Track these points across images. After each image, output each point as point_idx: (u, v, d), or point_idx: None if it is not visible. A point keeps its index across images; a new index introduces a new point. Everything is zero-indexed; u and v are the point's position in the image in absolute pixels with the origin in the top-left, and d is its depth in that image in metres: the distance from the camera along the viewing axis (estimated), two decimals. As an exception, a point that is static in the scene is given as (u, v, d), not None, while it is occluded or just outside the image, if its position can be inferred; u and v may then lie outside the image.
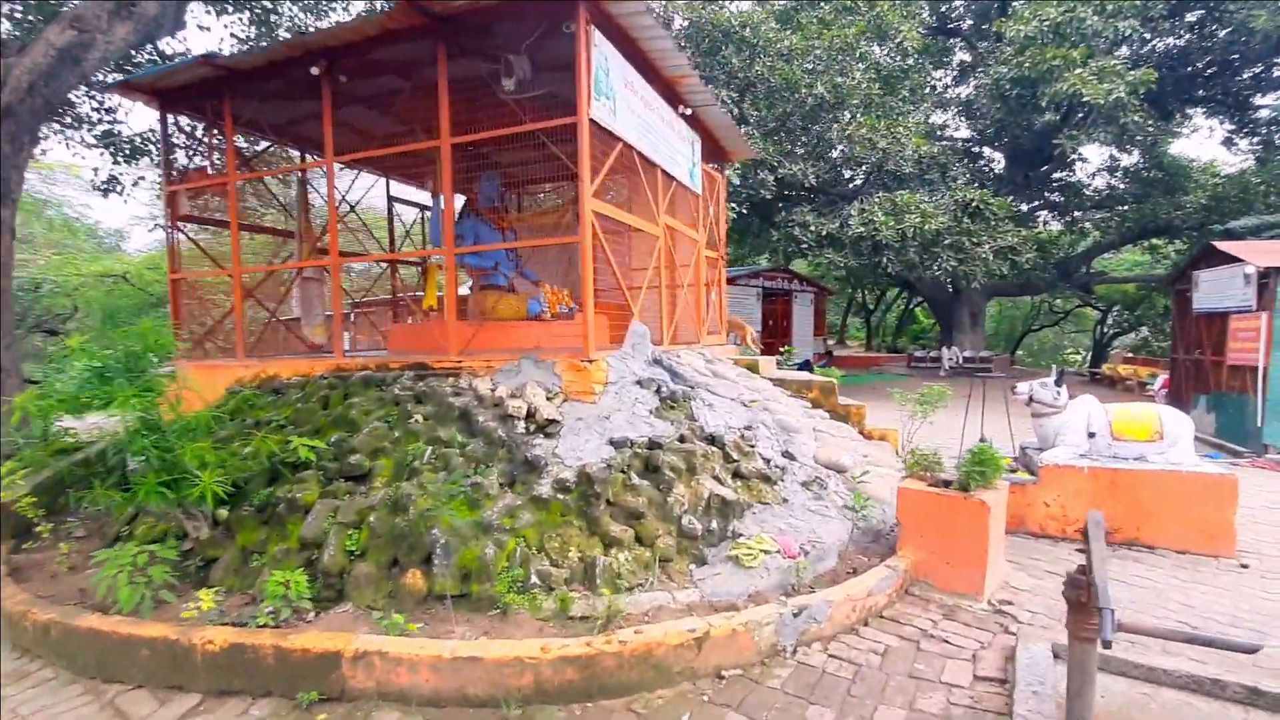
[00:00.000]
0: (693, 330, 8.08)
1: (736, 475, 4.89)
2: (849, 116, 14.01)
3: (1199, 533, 5.07)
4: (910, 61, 17.01)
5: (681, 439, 4.86)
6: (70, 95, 7.69)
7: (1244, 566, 4.85)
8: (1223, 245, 9.99)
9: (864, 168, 15.25)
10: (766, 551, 4.17)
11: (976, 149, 23.45)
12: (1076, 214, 24.79)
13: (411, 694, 3.11)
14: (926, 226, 12.87)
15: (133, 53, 8.30)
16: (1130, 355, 24.28)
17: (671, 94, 6.94)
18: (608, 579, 3.81)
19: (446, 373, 5.38)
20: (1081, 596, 2.40)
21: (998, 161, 24.90)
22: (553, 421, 4.74)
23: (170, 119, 6.68)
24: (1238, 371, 9.39)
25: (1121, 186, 23.39)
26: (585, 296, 5.06)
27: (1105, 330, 35.42)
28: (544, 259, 8.65)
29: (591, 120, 5.07)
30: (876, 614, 3.97)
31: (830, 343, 47.03)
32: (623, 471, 4.41)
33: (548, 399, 4.95)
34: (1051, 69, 12.78)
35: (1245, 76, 17.38)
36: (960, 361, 24.27)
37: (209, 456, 3.94)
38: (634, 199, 6.73)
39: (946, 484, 4.37)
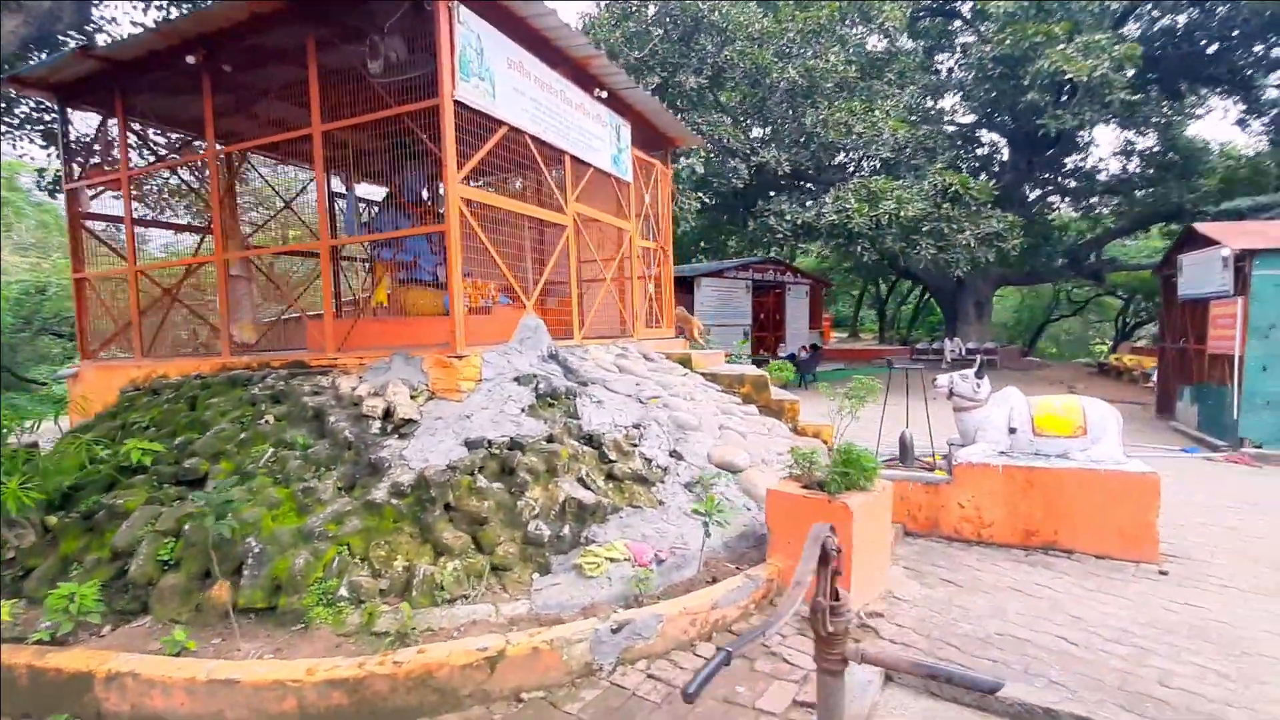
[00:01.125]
0: (621, 323, 7.77)
1: (610, 477, 4.59)
2: (826, 102, 13.52)
3: (1119, 536, 4.65)
4: (897, 44, 16.42)
5: (550, 439, 4.58)
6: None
7: (1162, 573, 4.43)
8: (1203, 227, 9.38)
9: (843, 154, 14.73)
10: (613, 560, 3.87)
11: (977, 133, 22.68)
12: (1092, 199, 23.89)
13: (167, 719, 2.88)
14: (902, 213, 12.36)
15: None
16: (1138, 346, 23.36)
17: (584, 76, 6.63)
18: (426, 590, 3.54)
19: (319, 371, 5.17)
20: (822, 624, 2.07)
21: (1002, 146, 24.09)
22: (409, 421, 4.49)
23: (74, 113, 6.58)
24: (1218, 361, 8.80)
25: (1135, 170, 22.47)
26: (452, 289, 4.79)
27: (1126, 320, 34.22)
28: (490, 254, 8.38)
29: (458, 103, 4.79)
30: (724, 628, 3.65)
31: (840, 335, 46.31)
32: (470, 474, 4.14)
33: (411, 397, 4.70)
34: (1034, 46, 12.16)
35: (1247, 56, 16.48)
36: (964, 353, 23.55)
37: (16, 464, 3.75)
38: (542, 187, 6.44)
39: (822, 486, 4.04)
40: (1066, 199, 26.52)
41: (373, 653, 3.07)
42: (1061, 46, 11.61)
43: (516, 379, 5.03)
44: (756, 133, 18.59)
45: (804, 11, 13.80)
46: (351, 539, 3.76)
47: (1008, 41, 12.42)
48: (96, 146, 6.45)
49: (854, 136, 13.31)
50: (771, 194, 14.97)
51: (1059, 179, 24.82)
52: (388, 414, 4.52)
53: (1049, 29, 11.99)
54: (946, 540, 5.13)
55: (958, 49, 22.06)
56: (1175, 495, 6.23)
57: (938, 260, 13.17)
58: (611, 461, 4.69)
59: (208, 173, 7.38)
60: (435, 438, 4.39)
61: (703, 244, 21.61)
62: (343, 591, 3.48)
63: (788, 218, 13.62)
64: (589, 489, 4.37)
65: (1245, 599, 4.06)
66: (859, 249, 13.26)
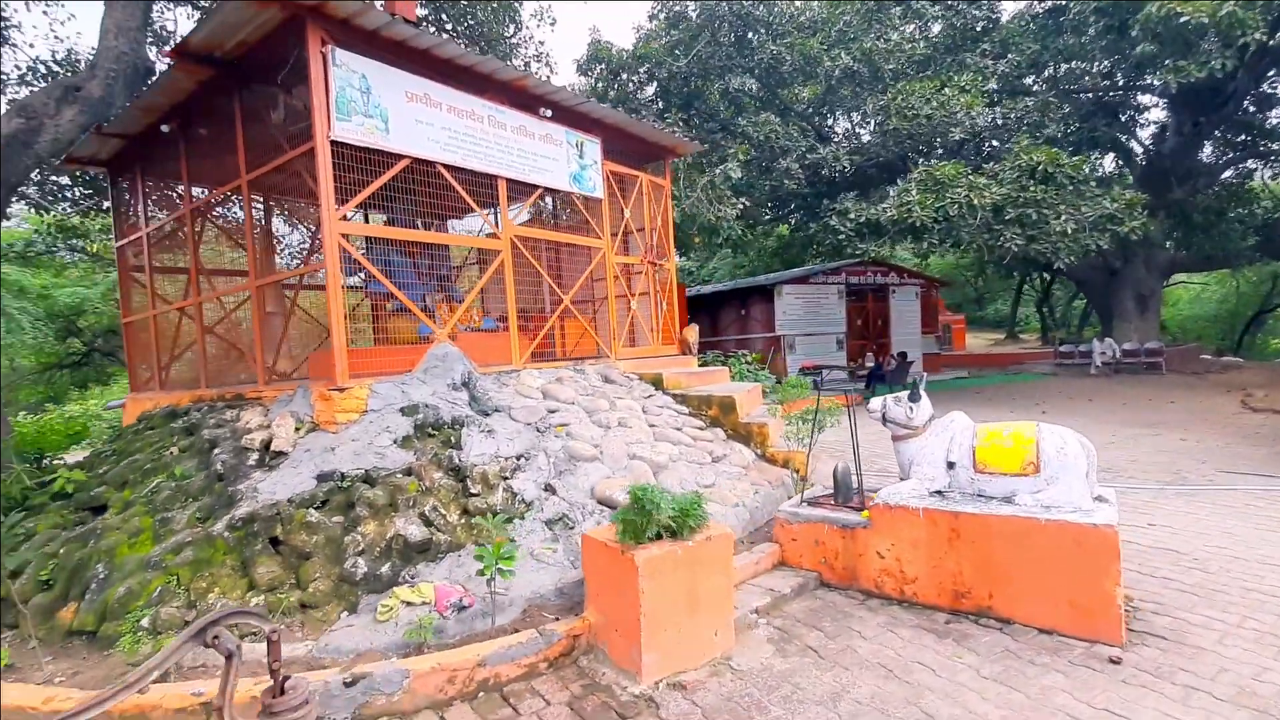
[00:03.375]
0: (585, 344, 7.52)
1: (465, 512, 4.43)
2: (888, 87, 12.25)
3: (1069, 607, 3.62)
4: (998, 10, 14.49)
5: (409, 471, 4.52)
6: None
7: (1113, 661, 3.36)
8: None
9: (911, 141, 13.19)
10: (410, 603, 3.70)
11: (1111, 97, 19.24)
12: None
13: (-56, 733, 3.18)
14: (976, 201, 10.79)
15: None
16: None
17: (527, 98, 6.56)
18: (219, 625, 3.61)
19: (252, 402, 5.54)
20: (258, 724, 1.78)
21: (1150, 108, 20.32)
22: (279, 454, 4.65)
23: (123, 181, 7.73)
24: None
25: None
26: (333, 317, 4.91)
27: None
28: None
29: (337, 142, 4.94)
30: (497, 688, 3.33)
31: (995, 337, 41.52)
32: (309, 507, 4.19)
33: (295, 429, 4.88)
34: (1143, -12, 10.07)
35: None
36: (1117, 356, 20.03)
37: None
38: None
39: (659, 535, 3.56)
40: (1269, 163, 21.72)
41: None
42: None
43: (402, 409, 5.03)
44: (842, 126, 17.39)
45: (862, -9, 12.66)
46: (181, 570, 3.95)
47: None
48: (135, 208, 7.47)
49: (922, 120, 11.87)
50: (836, 193, 13.81)
51: (1254, 140, 20.38)
52: (266, 446, 4.73)
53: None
54: (863, 596, 4.32)
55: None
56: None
57: (1028, 252, 11.30)
58: (473, 495, 4.52)
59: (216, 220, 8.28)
60: (295, 470, 4.50)
61: (778, 253, 20.48)
62: (144, 623, 3.66)
63: (851, 216, 12.47)
64: (430, 525, 4.23)
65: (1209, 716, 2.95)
66: (926, 244, 11.78)
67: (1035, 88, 15.96)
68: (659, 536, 3.45)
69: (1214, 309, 39.42)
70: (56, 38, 20.22)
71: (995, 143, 13.82)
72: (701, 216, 11.37)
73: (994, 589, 3.85)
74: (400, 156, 5.42)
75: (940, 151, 15.23)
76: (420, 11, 11.82)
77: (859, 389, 16.12)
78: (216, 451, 4.75)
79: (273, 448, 4.67)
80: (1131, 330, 21.18)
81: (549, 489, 4.69)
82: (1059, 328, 37.51)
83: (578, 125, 7.22)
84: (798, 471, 6.12)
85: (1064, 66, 14.59)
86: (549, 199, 8.15)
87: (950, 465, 4.27)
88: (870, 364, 17.05)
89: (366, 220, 8.38)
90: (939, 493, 4.31)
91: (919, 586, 4.12)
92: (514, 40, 11.72)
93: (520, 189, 6.61)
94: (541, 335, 6.83)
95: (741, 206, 11.70)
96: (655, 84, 16.15)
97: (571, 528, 4.40)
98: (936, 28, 13.92)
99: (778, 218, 17.67)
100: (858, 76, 12.17)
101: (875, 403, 4.63)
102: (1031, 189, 10.76)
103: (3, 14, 9.17)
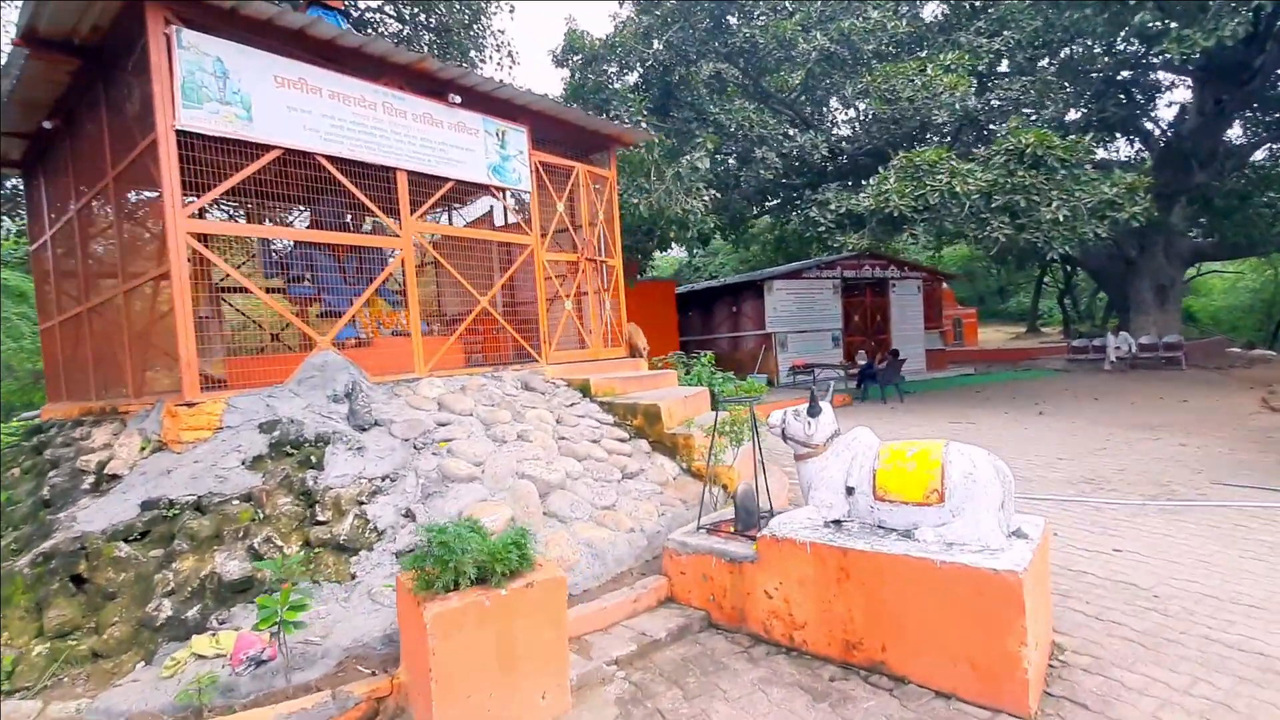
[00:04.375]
0: (516, 348, 7.00)
1: (307, 543, 3.95)
2: (868, 69, 11.52)
3: (969, 666, 3.02)
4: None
5: (249, 496, 4.05)
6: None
7: (1011, 740, 2.76)
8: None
9: (896, 127, 12.41)
10: (202, 656, 3.23)
11: (1123, 75, 18.13)
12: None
13: None
14: (959, 189, 10.04)
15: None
16: None
17: (432, 83, 6.07)
18: (-12, 679, 3.19)
19: (116, 417, 5.14)
20: None
21: (1170, 86, 19.14)
22: (114, 477, 4.23)
23: (33, 181, 7.41)
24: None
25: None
26: (180, 335, 4.46)
27: None
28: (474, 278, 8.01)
29: (183, 132, 4.49)
30: (272, 763, 2.84)
31: (1015, 331, 40.15)
32: (123, 539, 3.75)
33: (141, 449, 4.45)
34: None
35: None
36: (1133, 351, 18.96)
37: None
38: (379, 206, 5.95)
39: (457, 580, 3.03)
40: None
41: None
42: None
43: (261, 426, 4.57)
44: (827, 114, 16.61)
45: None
46: (-28, 611, 3.53)
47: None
48: (41, 210, 7.13)
49: (904, 104, 11.13)
50: (818, 182, 13.10)
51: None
52: (103, 468, 4.31)
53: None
54: (751, 641, 3.75)
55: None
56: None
57: (1017, 242, 10.51)
58: (320, 523, 4.04)
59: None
60: (124, 496, 4.07)
61: (780, 246, 19.75)
62: (-94, 675, 3.24)
63: (832, 207, 11.78)
64: (261, 559, 3.76)
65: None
66: (907, 236, 11.03)
67: (1042, 65, 15.04)
68: (472, 582, 2.93)
69: (1249, 299, 37.54)
70: None
71: (993, 126, 12.99)
72: (669, 209, 10.80)
73: (887, 641, 3.26)
74: (269, 147, 4.95)
75: (936, 139, 14.44)
76: (378, 2, 11.43)
77: (850, 389, 15.43)
78: (53, 474, 4.36)
79: (108, 470, 4.25)
80: (1150, 323, 20.08)
81: (409, 515, 4.19)
82: (1082, 320, 36.01)
83: (499, 113, 6.70)
84: (725, 488, 5.56)
85: (1070, 43, 13.66)
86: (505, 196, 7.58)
87: (849, 491, 3.68)
88: (861, 362, 16.29)
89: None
90: (836, 522, 3.72)
91: (808, 633, 3.54)
92: (474, 30, 11.26)
93: (427, 183, 6.11)
94: (451, 340, 6.33)
95: (711, 198, 11.09)
96: (634, 73, 15.60)
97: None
98: (930, 5, 13.12)
99: (764, 210, 16.96)
100: (836, 59, 11.46)
101: (775, 416, 4.04)
102: (1020, 174, 9.97)
103: None
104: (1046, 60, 13.91)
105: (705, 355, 9.32)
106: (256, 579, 3.66)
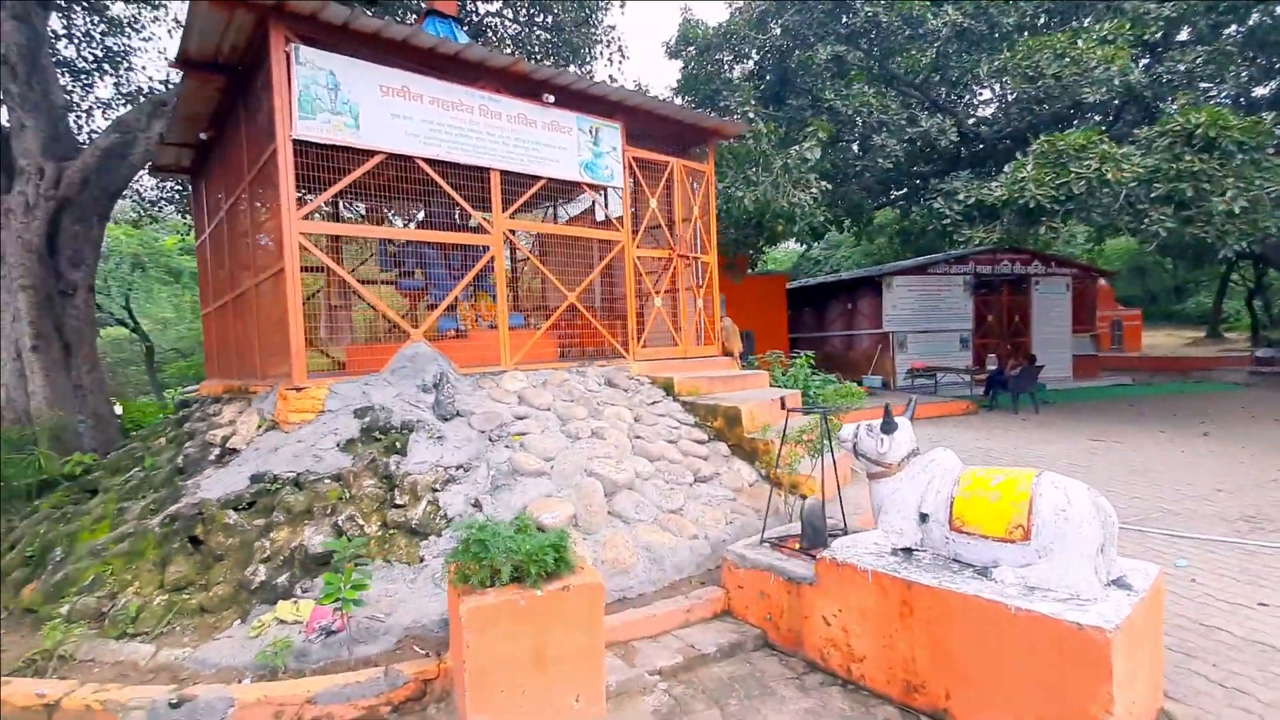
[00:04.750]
0: (606, 344, 7.05)
1: (385, 524, 4.23)
2: (1008, 44, 10.39)
3: (1044, 729, 2.66)
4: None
5: (338, 476, 4.40)
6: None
7: (1084, 824, 2.40)
8: None
9: (1042, 107, 11.05)
10: (283, 621, 3.56)
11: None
12: None
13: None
14: (1111, 176, 8.81)
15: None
16: None
17: (527, 84, 6.23)
18: (120, 622, 3.70)
19: (246, 396, 5.77)
20: None
21: None
22: (232, 451, 4.75)
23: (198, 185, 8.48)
24: None
25: None
26: (291, 324, 4.91)
27: None
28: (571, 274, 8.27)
29: (301, 141, 4.93)
30: (327, 729, 3.06)
31: (1193, 336, 35.07)
32: (235, 508, 4.21)
33: (258, 427, 4.96)
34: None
35: None
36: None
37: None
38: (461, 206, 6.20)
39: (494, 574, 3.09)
40: None
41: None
42: None
43: (355, 412, 4.94)
44: (962, 96, 15.25)
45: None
46: (116, 561, 4.12)
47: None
48: (203, 210, 8.15)
49: (1049, 81, 9.92)
50: (945, 170, 12.05)
51: None
52: (225, 442, 4.85)
53: None
54: (807, 667, 3.54)
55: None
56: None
57: (1182, 236, 9.05)
58: (397, 506, 4.31)
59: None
60: (240, 469, 4.56)
61: (908, 239, 18.45)
62: (62, 609, 3.83)
63: (960, 197, 10.81)
64: (343, 535, 4.07)
65: None
66: (1043, 230, 9.80)
67: (1228, 33, 12.90)
68: (508, 580, 2.99)
69: None
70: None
71: (1161, 105, 11.33)
72: (775, 203, 10.42)
73: (952, 687, 2.94)
74: (373, 152, 5.32)
75: (1094, 119, 12.83)
76: (494, 5, 11.93)
77: (976, 396, 14.19)
78: (188, 445, 4.97)
79: (229, 444, 4.78)
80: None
81: (477, 505, 4.36)
82: (1275, 327, 30.64)
83: (593, 110, 6.76)
84: (804, 497, 5.29)
85: (1260, 4, 11.53)
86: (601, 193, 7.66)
87: (923, 518, 3.36)
88: (991, 367, 14.90)
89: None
90: (907, 550, 3.41)
91: (867, 667, 3.28)
92: (585, 28, 11.44)
93: (520, 181, 6.29)
94: (537, 335, 6.50)
95: (822, 190, 10.55)
96: (750, 61, 15.18)
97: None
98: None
99: (888, 201, 15.93)
100: (971, 34, 10.45)
101: (847, 430, 3.77)
102: (1188, 159, 8.58)
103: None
104: (1234, 28, 11.82)
105: (803, 355, 8.93)
106: (338, 553, 3.96)
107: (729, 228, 12.77)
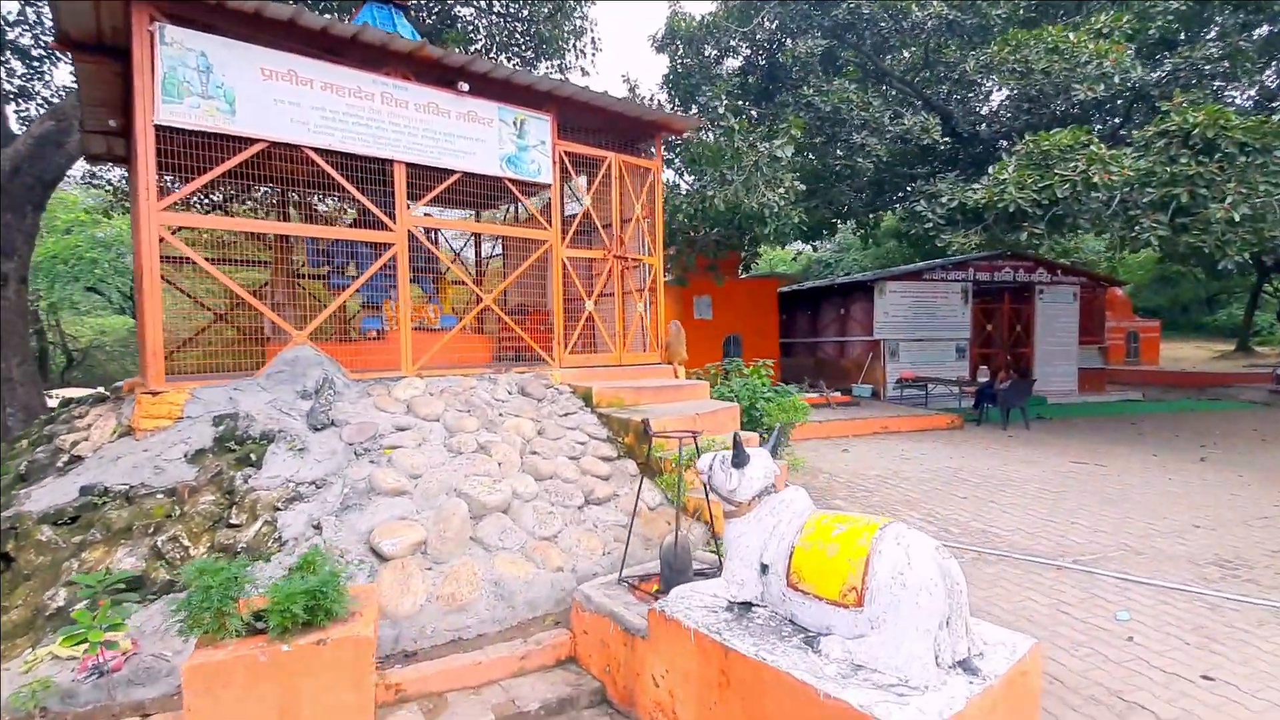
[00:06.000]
0: (529, 351, 6.64)
1: (213, 546, 3.87)
2: (997, 39, 9.74)
3: (850, 845, 2.18)
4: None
5: (172, 491, 4.05)
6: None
7: None
8: None
9: (1033, 105, 10.38)
10: (58, 657, 3.20)
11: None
12: None
13: None
14: (1098, 179, 8.16)
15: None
16: None
17: (440, 71, 5.84)
18: (-103, 647, 3.38)
19: (120, 397, 5.47)
20: None
21: None
22: (78, 459, 4.43)
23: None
24: None
25: None
26: (147, 325, 4.58)
27: None
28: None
29: (163, 127, 4.59)
30: (60, 790, 2.70)
31: (1221, 349, 33.60)
32: (55, 523, 3.87)
33: (112, 433, 4.64)
34: None
35: None
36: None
37: None
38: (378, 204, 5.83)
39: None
40: None
41: None
42: None
43: (216, 419, 4.59)
44: (951, 94, 14.56)
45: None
46: (-76, 576, 3.81)
47: None
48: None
49: (1037, 77, 9.27)
50: (931, 172, 11.41)
51: None
52: (73, 448, 4.54)
53: None
54: (635, 733, 3.09)
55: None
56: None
57: (1176, 245, 8.35)
58: (232, 526, 3.95)
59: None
60: (78, 479, 4.23)
61: (916, 243, 17.76)
62: None
63: (943, 200, 10.19)
64: (161, 559, 3.72)
65: None
66: (1024, 236, 9.12)
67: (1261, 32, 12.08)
68: (244, 632, 2.59)
69: None
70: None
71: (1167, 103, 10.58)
72: (744, 203, 9.92)
73: (767, 778, 2.48)
74: (252, 140, 4.97)
75: (1107, 119, 12.08)
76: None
77: (965, 409, 13.51)
78: (40, 449, 4.66)
79: (75, 451, 4.47)
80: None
81: (318, 527, 3.98)
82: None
83: (520, 101, 6.35)
84: (707, 523, 4.83)
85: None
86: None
87: (764, 568, 2.89)
88: (983, 379, 14.19)
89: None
90: (746, 605, 2.94)
91: (692, 740, 2.82)
92: (555, 20, 11.03)
93: (430, 175, 5.91)
94: (448, 337, 6.11)
95: (795, 190, 10.01)
96: (739, 57, 14.66)
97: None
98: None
99: (882, 204, 15.28)
100: (958, 27, 9.83)
101: (703, 460, 3.30)
102: (1183, 161, 7.90)
103: None
104: (1266, 30, 10.94)
105: (759, 365, 8.42)
106: (150, 578, 3.61)
107: (710, 228, 12.30)
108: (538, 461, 4.97)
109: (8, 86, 9.12)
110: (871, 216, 17.76)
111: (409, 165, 5.74)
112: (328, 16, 5.22)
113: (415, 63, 5.71)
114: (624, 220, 7.37)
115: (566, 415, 5.86)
